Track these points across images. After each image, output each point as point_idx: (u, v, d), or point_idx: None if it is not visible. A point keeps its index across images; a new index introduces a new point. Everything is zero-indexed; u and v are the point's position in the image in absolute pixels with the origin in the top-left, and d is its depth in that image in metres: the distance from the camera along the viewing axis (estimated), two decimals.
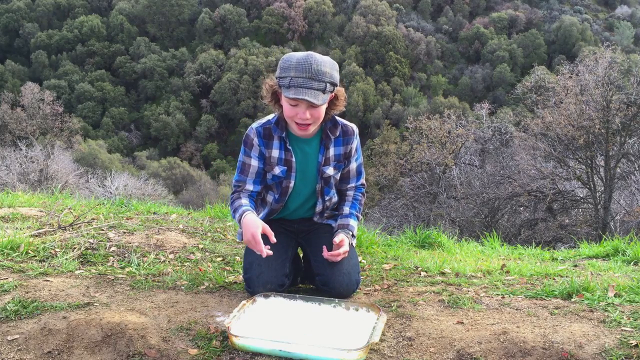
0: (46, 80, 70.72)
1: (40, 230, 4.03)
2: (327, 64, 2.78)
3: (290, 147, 3.00)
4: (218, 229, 4.53)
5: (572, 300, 2.95)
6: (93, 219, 4.47)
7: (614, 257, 4.20)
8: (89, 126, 66.71)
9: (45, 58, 77.46)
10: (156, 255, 3.69)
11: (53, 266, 3.35)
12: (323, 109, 2.86)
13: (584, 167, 16.98)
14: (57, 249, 3.62)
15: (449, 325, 2.64)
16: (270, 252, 2.84)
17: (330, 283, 2.97)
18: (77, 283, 3.09)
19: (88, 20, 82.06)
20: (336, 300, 2.78)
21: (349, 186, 3.19)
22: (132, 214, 4.88)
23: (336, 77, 2.82)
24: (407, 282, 3.39)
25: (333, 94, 2.89)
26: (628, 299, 2.93)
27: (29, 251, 3.53)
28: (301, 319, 2.62)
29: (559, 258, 4.28)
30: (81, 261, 3.50)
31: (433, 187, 20.99)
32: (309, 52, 2.82)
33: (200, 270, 3.45)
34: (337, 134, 3.04)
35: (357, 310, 2.71)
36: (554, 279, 3.43)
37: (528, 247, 4.88)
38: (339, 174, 3.12)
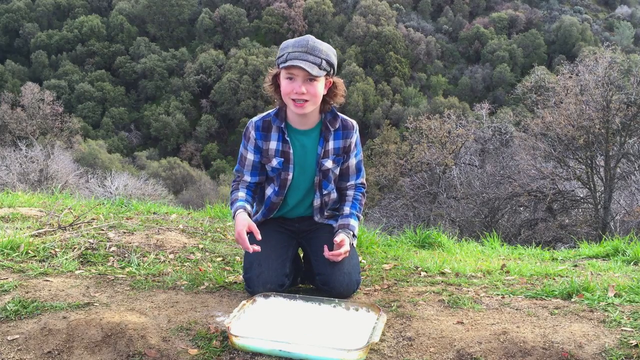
0: (46, 80, 70.74)
1: (40, 230, 4.03)
2: (324, 45, 2.89)
3: (288, 139, 3.01)
4: (218, 229, 4.53)
5: (572, 300, 2.95)
6: (93, 219, 4.47)
7: (614, 257, 4.20)
8: (89, 126, 66.73)
9: (45, 58, 77.47)
10: (156, 255, 3.69)
11: (53, 266, 3.35)
12: (319, 88, 2.88)
13: (584, 167, 16.98)
14: (57, 249, 3.62)
15: (449, 325, 2.64)
16: (258, 248, 2.88)
17: (331, 283, 2.98)
18: (77, 283, 3.09)
19: (88, 20, 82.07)
20: (336, 300, 2.78)
21: (348, 184, 3.18)
22: (132, 214, 4.88)
23: (333, 59, 2.91)
24: (407, 282, 3.39)
25: (330, 79, 2.95)
26: (628, 299, 2.93)
27: (29, 251, 3.53)
28: (301, 319, 2.62)
29: (559, 258, 4.28)
30: (81, 261, 3.50)
31: (433, 187, 20.99)
32: (307, 35, 2.96)
33: (200, 270, 3.45)
34: (337, 126, 3.05)
35: (357, 310, 2.71)
36: (554, 279, 3.43)
37: (528, 247, 4.88)
38: (338, 168, 3.11)
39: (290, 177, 3.05)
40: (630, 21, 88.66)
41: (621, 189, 17.19)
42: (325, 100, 2.98)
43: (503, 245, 4.91)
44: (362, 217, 3.19)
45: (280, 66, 2.87)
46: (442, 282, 3.37)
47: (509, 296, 3.07)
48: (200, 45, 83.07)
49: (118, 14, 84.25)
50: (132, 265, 3.47)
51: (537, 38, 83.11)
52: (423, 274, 3.56)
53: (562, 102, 17.29)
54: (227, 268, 3.58)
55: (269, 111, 3.11)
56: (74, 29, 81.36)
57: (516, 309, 2.85)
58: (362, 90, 71.40)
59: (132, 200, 5.69)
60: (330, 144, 3.04)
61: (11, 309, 2.67)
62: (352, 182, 3.18)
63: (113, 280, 3.20)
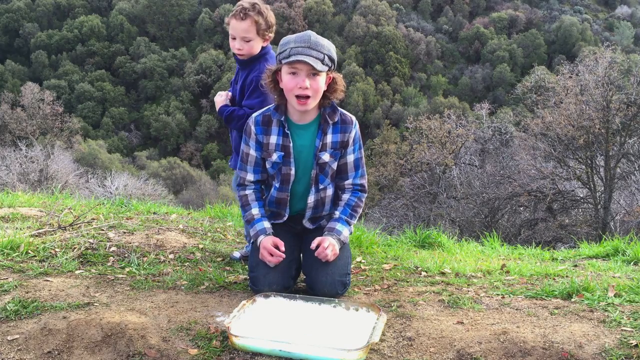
0: (46, 80, 70.68)
1: (40, 230, 4.03)
2: (325, 41, 2.95)
3: (288, 132, 3.02)
4: (218, 229, 4.53)
5: (572, 300, 2.95)
6: (93, 219, 4.47)
7: (614, 257, 4.20)
8: (89, 126, 66.66)
9: (45, 58, 77.42)
10: (156, 255, 3.69)
11: (53, 266, 3.35)
12: (321, 83, 2.91)
13: (584, 167, 16.98)
14: (57, 249, 3.62)
15: (449, 325, 2.64)
16: (282, 257, 2.96)
17: (313, 283, 3.00)
18: (77, 283, 3.09)
19: (88, 20, 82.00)
20: (336, 300, 2.78)
21: (346, 183, 3.14)
22: (132, 214, 4.88)
23: (334, 54, 2.95)
24: (407, 282, 3.39)
25: (331, 75, 2.97)
26: (628, 299, 2.93)
27: (29, 251, 3.53)
28: (301, 319, 2.62)
29: (559, 258, 4.28)
30: (81, 261, 3.50)
31: (433, 187, 20.99)
32: (308, 30, 3.01)
33: (200, 270, 3.45)
34: (336, 120, 3.05)
35: (357, 310, 2.71)
36: (554, 279, 3.43)
37: (528, 247, 4.88)
38: (335, 163, 3.10)
39: (292, 171, 3.05)
40: (630, 21, 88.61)
41: (621, 189, 17.19)
42: (325, 95, 3.00)
43: (503, 245, 4.91)
44: (354, 222, 3.14)
45: (283, 62, 2.88)
46: (442, 282, 3.37)
47: (509, 296, 3.07)
48: (200, 45, 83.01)
49: (118, 14, 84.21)
50: (132, 265, 3.47)
51: (537, 38, 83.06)
52: (423, 274, 3.56)
53: (562, 102, 17.30)
54: (227, 268, 3.58)
55: (268, 106, 3.12)
56: (74, 29, 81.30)
57: (516, 309, 2.85)
58: (362, 90, 71.36)
59: (132, 200, 5.69)
60: (329, 138, 3.05)
61: (11, 309, 2.67)
62: (350, 181, 3.14)
63: (113, 280, 3.20)
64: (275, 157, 3.04)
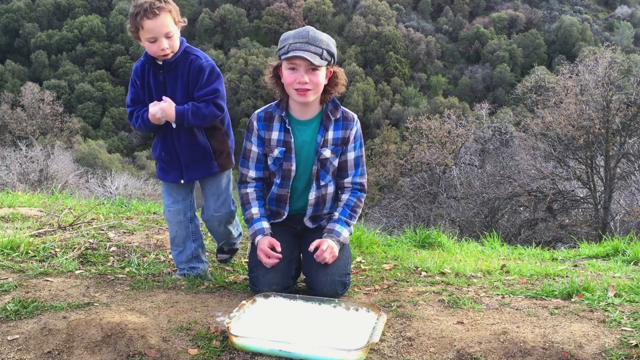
0: (46, 80, 70.65)
1: (40, 230, 4.03)
2: (324, 35, 2.95)
3: (289, 128, 3.03)
4: None
5: (572, 300, 2.95)
6: (93, 219, 4.47)
7: (614, 257, 4.20)
8: (89, 126, 66.64)
9: (45, 58, 77.42)
10: (156, 255, 3.69)
11: (53, 266, 3.35)
12: (321, 78, 2.93)
13: (584, 167, 16.98)
14: (57, 249, 3.62)
15: (449, 325, 2.64)
16: (278, 257, 2.96)
17: (313, 283, 3.00)
18: (77, 283, 3.09)
19: (88, 20, 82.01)
20: (336, 300, 2.78)
21: (345, 181, 3.14)
22: (132, 214, 4.88)
23: (333, 49, 2.96)
24: (407, 282, 3.39)
25: (331, 68, 2.99)
26: (628, 299, 2.93)
27: (29, 251, 3.54)
28: (301, 319, 2.62)
29: (559, 258, 4.28)
30: (81, 261, 3.50)
31: (433, 187, 20.98)
32: (307, 26, 3.02)
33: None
34: (338, 116, 3.07)
35: (357, 310, 2.71)
36: (554, 279, 3.43)
37: (528, 247, 4.89)
38: (337, 160, 3.10)
39: (293, 167, 3.06)
40: (630, 21, 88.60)
41: (621, 189, 17.19)
42: (327, 90, 3.02)
43: (503, 245, 4.91)
44: (353, 222, 3.14)
45: (282, 57, 2.90)
46: (442, 282, 3.37)
47: (509, 296, 3.07)
48: (200, 45, 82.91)
49: (118, 14, 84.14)
50: (132, 265, 3.47)
51: (537, 38, 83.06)
52: (423, 274, 3.56)
53: (562, 102, 17.29)
54: (227, 268, 3.58)
55: (271, 103, 3.15)
56: (74, 29, 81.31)
57: (516, 309, 2.85)
58: (362, 90, 71.35)
59: (132, 200, 5.70)
60: (330, 134, 3.05)
61: (11, 309, 2.67)
62: (349, 179, 3.13)
63: (113, 280, 3.20)
64: (276, 152, 3.05)
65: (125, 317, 2.60)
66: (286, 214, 3.16)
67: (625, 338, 2.45)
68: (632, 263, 4.01)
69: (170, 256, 3.68)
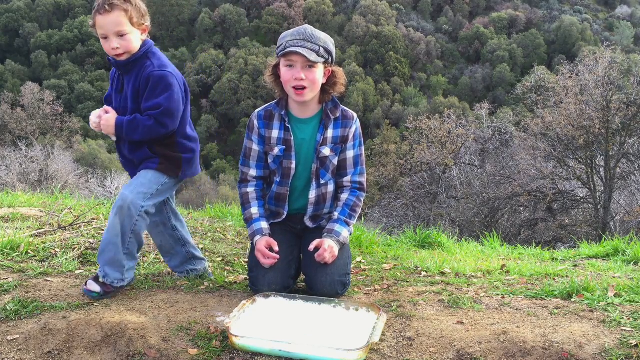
0: (46, 80, 70.67)
1: (40, 230, 4.03)
2: (322, 34, 2.97)
3: (289, 126, 3.05)
4: (218, 229, 4.53)
5: (572, 300, 2.95)
6: (93, 219, 4.47)
7: (614, 257, 4.20)
8: (89, 126, 66.67)
9: (45, 58, 77.44)
10: (156, 255, 3.69)
11: (53, 266, 3.35)
12: (318, 75, 2.94)
13: (584, 167, 16.98)
14: (57, 249, 3.62)
15: (449, 325, 2.64)
16: (276, 258, 2.95)
17: (313, 283, 3.00)
18: (77, 283, 3.09)
19: (88, 20, 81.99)
20: (336, 300, 2.78)
21: (345, 179, 3.14)
22: None
23: (331, 47, 2.98)
24: (407, 282, 3.39)
25: (329, 67, 3.00)
26: (628, 299, 2.93)
27: (29, 251, 3.53)
28: (301, 319, 2.62)
29: (559, 258, 4.28)
30: (81, 261, 3.50)
31: (433, 187, 20.98)
32: (305, 24, 3.04)
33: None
34: (337, 115, 3.08)
35: (357, 310, 2.71)
36: (554, 279, 3.43)
37: (528, 247, 4.89)
38: (336, 158, 3.11)
39: (293, 165, 3.07)
40: (630, 21, 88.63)
41: (621, 189, 17.19)
42: (326, 89, 3.03)
43: (503, 245, 4.92)
44: (353, 222, 3.14)
45: (279, 54, 2.93)
46: (442, 282, 3.37)
47: (509, 296, 3.07)
48: (200, 45, 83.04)
49: None
50: None
51: (537, 38, 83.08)
52: (423, 274, 3.56)
53: (562, 102, 17.29)
54: (227, 268, 3.58)
55: (271, 102, 3.17)
56: (74, 29, 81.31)
57: (516, 309, 2.85)
58: (362, 90, 71.37)
59: None
60: (330, 132, 3.06)
61: (11, 309, 2.67)
62: (348, 178, 3.13)
63: None
64: (276, 150, 3.06)
65: (125, 317, 2.60)
66: (285, 213, 3.16)
67: (625, 338, 2.45)
68: (632, 263, 4.01)
69: None
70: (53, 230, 4.08)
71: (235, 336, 2.40)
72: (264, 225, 3.07)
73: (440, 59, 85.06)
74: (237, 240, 4.30)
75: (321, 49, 2.90)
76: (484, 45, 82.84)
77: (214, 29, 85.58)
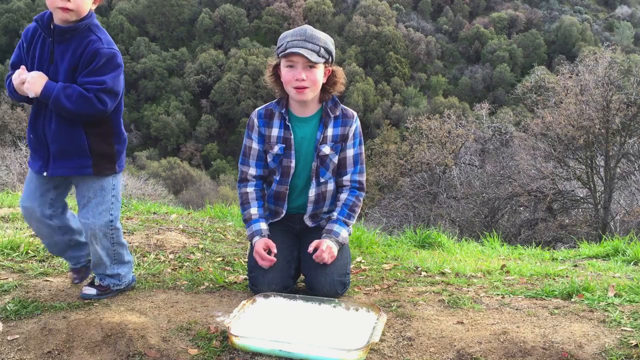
0: None
1: None
2: (322, 34, 2.98)
3: (289, 124, 3.05)
4: (218, 229, 4.53)
5: (572, 300, 2.95)
6: None
7: (614, 257, 4.20)
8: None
9: None
10: (156, 255, 3.69)
11: (53, 266, 3.36)
12: (319, 75, 2.95)
13: (584, 167, 16.98)
14: None
15: (449, 325, 2.64)
16: (273, 260, 2.95)
17: (313, 284, 3.00)
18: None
19: None
20: (336, 300, 2.78)
21: (344, 178, 3.14)
22: (132, 214, 4.88)
23: (331, 47, 2.99)
24: (407, 282, 3.39)
25: (330, 67, 3.02)
26: (628, 299, 2.93)
27: (29, 251, 3.54)
28: (301, 319, 2.62)
29: (559, 258, 4.28)
30: None
31: (433, 187, 20.97)
32: (305, 25, 3.05)
33: (200, 270, 3.45)
34: (337, 113, 3.09)
35: (357, 310, 2.71)
36: (554, 279, 3.43)
37: (528, 247, 4.89)
38: (336, 157, 3.11)
39: (292, 164, 3.07)
40: (630, 21, 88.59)
41: (621, 189, 17.19)
42: (326, 89, 3.04)
43: (503, 245, 4.92)
44: (352, 222, 3.14)
45: (280, 55, 2.94)
46: (442, 282, 3.37)
47: (509, 296, 3.07)
48: (200, 45, 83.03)
49: (118, 14, 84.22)
50: None
51: (537, 38, 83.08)
52: (423, 274, 3.56)
53: (562, 102, 17.28)
54: (227, 268, 3.58)
55: (271, 101, 3.18)
56: None
57: (516, 309, 2.85)
58: (362, 90, 71.36)
59: (132, 200, 5.69)
60: (329, 131, 3.07)
61: (11, 309, 2.67)
62: (348, 177, 3.13)
63: None
64: (276, 149, 3.06)
65: (125, 317, 2.60)
66: (284, 211, 3.16)
67: (625, 338, 2.45)
68: (632, 263, 4.01)
69: (171, 256, 3.68)
70: None
71: (235, 336, 2.40)
72: (263, 226, 3.07)
73: (440, 59, 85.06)
74: (237, 240, 4.30)
75: (321, 49, 2.91)
76: (484, 45, 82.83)
77: (214, 29, 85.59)
